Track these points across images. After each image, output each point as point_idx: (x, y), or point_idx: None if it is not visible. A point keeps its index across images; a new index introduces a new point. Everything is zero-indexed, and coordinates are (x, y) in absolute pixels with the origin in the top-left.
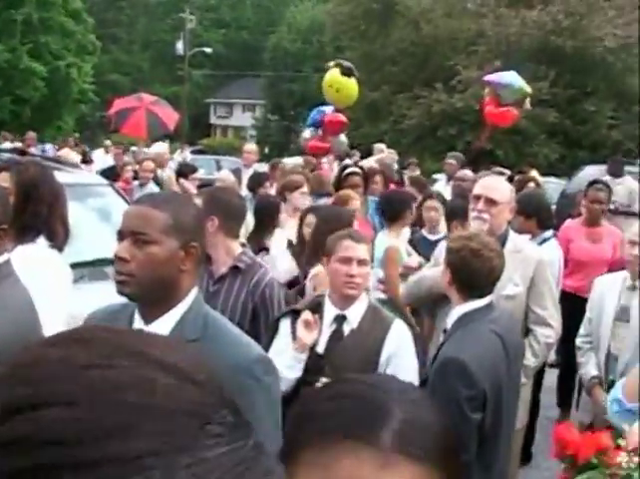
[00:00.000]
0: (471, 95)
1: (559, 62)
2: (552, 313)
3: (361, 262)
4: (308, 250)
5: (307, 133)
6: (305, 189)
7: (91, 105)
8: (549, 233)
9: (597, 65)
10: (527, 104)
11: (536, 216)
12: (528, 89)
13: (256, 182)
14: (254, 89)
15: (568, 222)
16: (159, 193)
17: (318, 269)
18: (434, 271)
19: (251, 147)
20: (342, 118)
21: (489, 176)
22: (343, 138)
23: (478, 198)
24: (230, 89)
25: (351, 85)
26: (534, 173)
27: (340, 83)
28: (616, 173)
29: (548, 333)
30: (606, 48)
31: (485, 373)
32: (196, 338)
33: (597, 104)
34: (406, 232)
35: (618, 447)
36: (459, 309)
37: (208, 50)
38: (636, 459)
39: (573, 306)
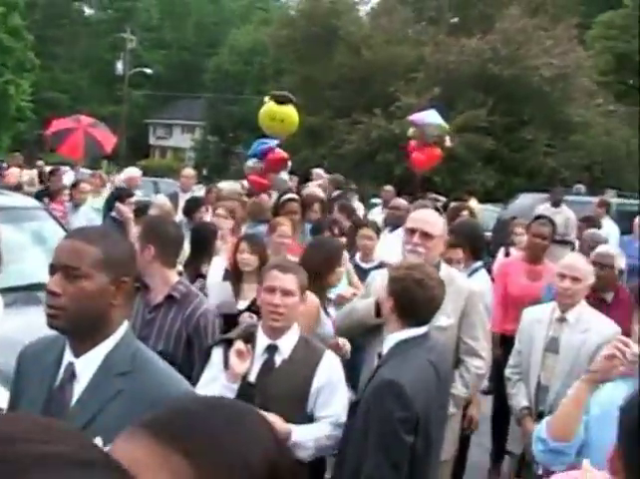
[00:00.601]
0: (409, 122)
1: (497, 90)
2: (483, 345)
3: (286, 293)
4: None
5: (250, 162)
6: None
7: (28, 123)
8: (479, 263)
9: (534, 93)
10: (448, 141)
11: (469, 246)
12: (446, 126)
13: (192, 207)
14: (194, 110)
15: (509, 258)
16: (91, 227)
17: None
18: (365, 303)
19: (189, 171)
20: (284, 155)
21: (422, 208)
22: (284, 175)
23: (412, 231)
24: (170, 110)
25: (291, 112)
26: (473, 201)
27: (282, 113)
28: (558, 202)
29: (479, 364)
30: (543, 77)
31: (419, 398)
32: (125, 372)
33: (534, 132)
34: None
35: None
36: (396, 336)
37: (149, 70)
38: None
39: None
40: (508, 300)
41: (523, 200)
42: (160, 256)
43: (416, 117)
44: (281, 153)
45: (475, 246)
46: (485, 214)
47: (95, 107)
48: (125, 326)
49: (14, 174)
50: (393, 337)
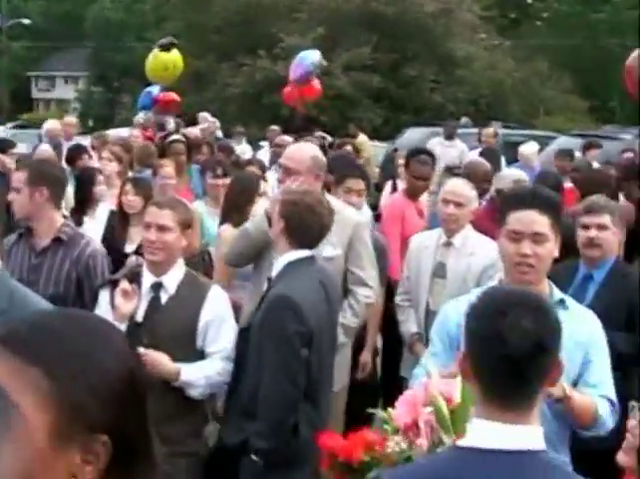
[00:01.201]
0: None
1: (381, 27)
2: (371, 274)
3: (161, 228)
4: (221, 210)
5: (140, 116)
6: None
7: None
8: None
9: (418, 29)
10: (323, 61)
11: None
12: (317, 54)
13: (75, 153)
14: (77, 61)
15: (396, 198)
16: None
17: (224, 229)
18: (255, 220)
19: (70, 120)
20: (175, 96)
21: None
22: (171, 122)
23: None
24: (52, 61)
25: (177, 58)
26: (362, 136)
27: (168, 60)
28: (451, 135)
29: (367, 293)
30: (426, 13)
31: (312, 314)
32: (2, 310)
33: (419, 68)
34: None
35: (384, 438)
36: (286, 257)
37: (27, 21)
38: (403, 443)
39: None
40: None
41: (411, 134)
42: (51, 198)
43: (295, 73)
44: (170, 94)
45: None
46: (374, 150)
47: None
48: None
49: None
50: (282, 259)
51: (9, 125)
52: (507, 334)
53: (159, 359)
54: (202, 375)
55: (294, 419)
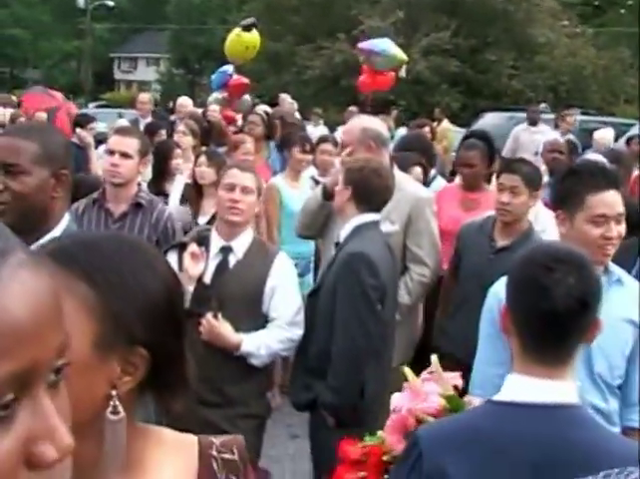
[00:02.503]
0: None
1: (461, 12)
2: (429, 252)
3: (245, 190)
4: None
5: (214, 95)
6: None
7: None
8: (434, 171)
9: (498, 15)
10: (403, 71)
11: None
12: (404, 56)
13: (152, 129)
14: (158, 43)
15: (447, 185)
16: (25, 123)
17: None
18: (312, 194)
19: (144, 96)
20: (245, 80)
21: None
22: (247, 97)
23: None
24: (134, 43)
25: (255, 38)
26: (446, 123)
27: (248, 40)
28: (535, 121)
29: (423, 272)
30: None
31: (383, 270)
32: None
33: (498, 53)
34: (306, 176)
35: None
36: (354, 221)
37: (111, 3)
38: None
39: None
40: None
41: (488, 119)
42: (143, 166)
43: (364, 45)
44: (241, 79)
45: (430, 155)
46: (453, 135)
47: (58, 42)
48: (67, 219)
49: None
50: (350, 224)
51: (91, 105)
52: (553, 289)
53: (221, 330)
54: (263, 345)
55: (363, 375)
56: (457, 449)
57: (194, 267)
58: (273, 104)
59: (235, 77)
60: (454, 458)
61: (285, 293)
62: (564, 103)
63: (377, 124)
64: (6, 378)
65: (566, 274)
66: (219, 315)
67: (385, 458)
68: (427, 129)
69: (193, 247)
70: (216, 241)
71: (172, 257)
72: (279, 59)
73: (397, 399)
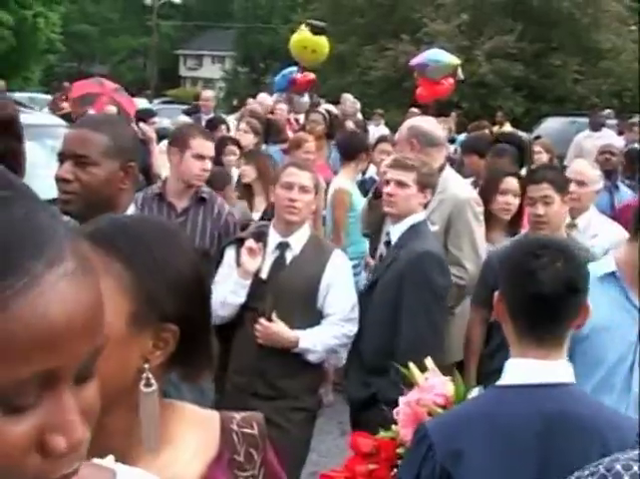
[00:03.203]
0: (436, 47)
1: (526, 15)
2: (468, 255)
3: (303, 189)
4: None
5: (275, 96)
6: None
7: (58, 56)
8: None
9: (564, 19)
10: (460, 74)
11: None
12: (456, 60)
13: (212, 125)
14: (224, 41)
15: None
16: (97, 115)
17: None
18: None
19: (208, 94)
20: (311, 76)
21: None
22: (305, 97)
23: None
24: (200, 40)
25: (323, 43)
26: (508, 126)
27: (315, 43)
28: (598, 126)
29: (461, 274)
30: (573, 2)
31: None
32: None
33: (563, 58)
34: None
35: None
36: (409, 220)
37: (177, 0)
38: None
39: None
40: None
41: (550, 124)
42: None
43: (415, 61)
44: (308, 75)
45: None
46: None
47: (125, 39)
48: (132, 209)
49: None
50: (404, 222)
51: (156, 101)
52: (541, 274)
53: (277, 329)
54: (319, 341)
55: None
56: (468, 434)
57: (251, 263)
58: (336, 104)
59: (302, 74)
60: (466, 442)
61: (341, 290)
62: (629, 109)
63: (427, 123)
64: (31, 378)
65: (553, 260)
66: (274, 315)
67: (399, 451)
68: (486, 131)
69: (251, 243)
70: (274, 237)
71: (231, 253)
72: (343, 59)
73: (408, 395)
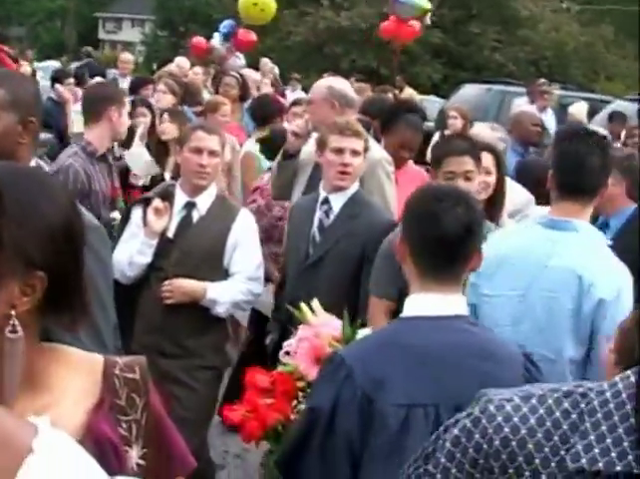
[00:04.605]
0: (357, 13)
1: None
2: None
3: (212, 153)
4: None
5: (217, 40)
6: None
7: None
8: None
9: None
10: (428, 19)
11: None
12: (428, 5)
13: (138, 84)
14: (143, 4)
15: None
16: None
17: None
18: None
19: (127, 56)
20: (253, 37)
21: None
22: (242, 60)
23: None
24: (119, 4)
25: (272, 3)
26: (408, 90)
27: (265, 2)
28: (537, 96)
29: None
30: None
31: None
32: None
33: (481, 26)
34: None
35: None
36: (350, 190)
37: None
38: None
39: None
40: None
41: (467, 90)
42: None
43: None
44: (251, 34)
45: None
46: (431, 105)
47: (44, 1)
48: (33, 163)
49: None
50: (349, 191)
51: (75, 63)
52: (443, 217)
53: (184, 284)
54: (227, 294)
55: None
56: (387, 361)
57: (158, 222)
58: (256, 68)
59: (243, 31)
60: (387, 369)
61: (246, 249)
62: (546, 78)
63: (343, 84)
64: None
65: (454, 205)
66: None
67: (299, 384)
68: (389, 95)
69: (157, 203)
70: (180, 197)
71: (137, 212)
72: (262, 24)
73: (300, 332)
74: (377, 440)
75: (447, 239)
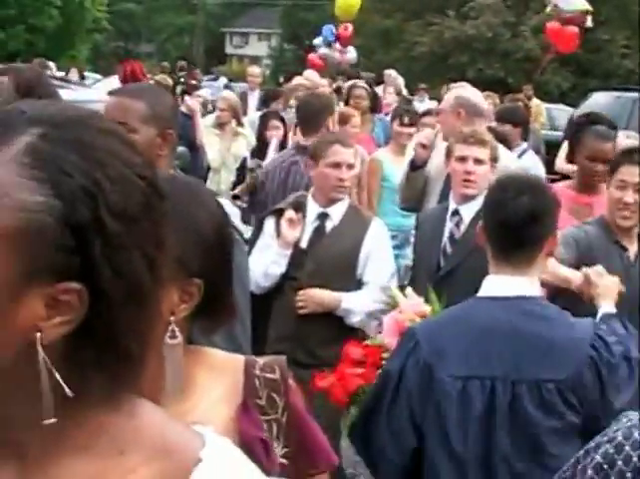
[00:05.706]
0: (483, 22)
1: None
2: None
3: (349, 167)
4: None
5: (323, 50)
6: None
7: (105, 34)
8: (526, 144)
9: None
10: (589, 21)
11: (522, 125)
12: (588, 6)
13: (270, 96)
14: (270, 18)
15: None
16: (134, 84)
17: None
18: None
19: (255, 70)
20: (350, 28)
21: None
22: (353, 52)
23: None
24: (246, 18)
25: None
26: (536, 100)
27: None
28: None
29: None
30: None
31: None
32: None
33: (610, 32)
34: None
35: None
36: (480, 200)
37: None
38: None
39: None
40: None
41: (596, 98)
42: None
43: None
44: (347, 28)
45: (525, 127)
46: (559, 114)
47: (170, 17)
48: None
49: None
50: (478, 201)
51: (204, 78)
52: (506, 205)
53: (318, 294)
54: (362, 304)
55: None
56: (448, 334)
57: (291, 233)
58: (380, 81)
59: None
60: (446, 341)
61: (380, 258)
62: None
63: (473, 94)
64: None
65: (518, 192)
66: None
67: (384, 355)
68: (520, 104)
69: (291, 213)
70: (313, 207)
71: (270, 223)
72: (388, 35)
73: (391, 313)
74: (436, 411)
75: (511, 224)
